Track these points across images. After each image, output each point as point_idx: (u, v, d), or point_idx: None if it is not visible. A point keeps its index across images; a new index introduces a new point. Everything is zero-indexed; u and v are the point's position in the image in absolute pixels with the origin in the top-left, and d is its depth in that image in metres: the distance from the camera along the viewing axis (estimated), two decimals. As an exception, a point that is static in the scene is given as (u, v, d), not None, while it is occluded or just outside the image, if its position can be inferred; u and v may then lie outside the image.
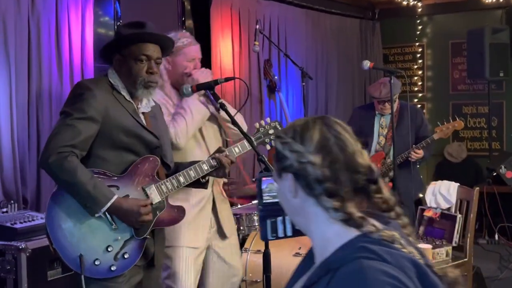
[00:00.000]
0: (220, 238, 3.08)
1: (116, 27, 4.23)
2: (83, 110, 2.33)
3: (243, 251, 3.68)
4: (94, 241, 2.33)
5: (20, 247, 2.80)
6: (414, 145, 4.42)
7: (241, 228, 3.98)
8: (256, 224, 4.04)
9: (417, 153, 4.42)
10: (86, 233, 2.33)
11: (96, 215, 2.33)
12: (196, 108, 2.86)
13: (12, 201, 3.23)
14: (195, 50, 2.97)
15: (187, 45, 2.93)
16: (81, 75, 3.81)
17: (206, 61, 4.44)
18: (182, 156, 2.87)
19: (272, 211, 1.54)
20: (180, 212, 2.58)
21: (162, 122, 2.68)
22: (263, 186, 1.62)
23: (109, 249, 2.35)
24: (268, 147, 2.97)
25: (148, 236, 2.45)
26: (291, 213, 1.36)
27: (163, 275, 2.91)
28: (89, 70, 3.84)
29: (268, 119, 3.01)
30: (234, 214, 3.75)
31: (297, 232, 1.50)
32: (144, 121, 2.51)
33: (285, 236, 1.54)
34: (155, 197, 2.47)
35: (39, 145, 3.57)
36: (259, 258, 3.44)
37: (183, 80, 2.91)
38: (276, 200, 1.47)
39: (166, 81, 2.93)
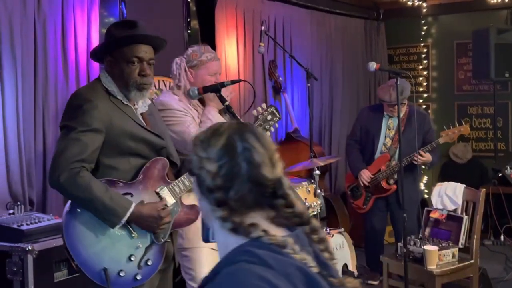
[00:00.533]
0: None
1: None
2: (86, 122, 2.28)
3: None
4: (116, 252, 2.30)
5: (27, 249, 2.80)
6: (422, 148, 4.40)
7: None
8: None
9: (423, 156, 4.39)
10: (107, 245, 2.29)
11: (117, 227, 2.29)
12: (219, 120, 2.89)
13: (18, 203, 3.23)
14: (217, 65, 3.04)
15: (210, 60, 3.00)
16: (87, 76, 3.82)
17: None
18: None
19: None
20: (195, 211, 2.56)
21: (159, 120, 2.65)
22: None
23: (131, 258, 2.32)
24: (268, 133, 2.97)
25: (168, 240, 2.44)
26: (203, 215, 1.35)
27: (186, 278, 2.90)
28: (95, 71, 3.85)
29: (264, 105, 3.00)
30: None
31: None
32: (144, 123, 2.48)
33: None
34: (170, 200, 2.45)
35: (45, 147, 3.58)
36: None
37: None
38: None
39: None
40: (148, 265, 2.36)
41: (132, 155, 2.40)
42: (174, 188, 2.48)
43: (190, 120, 2.87)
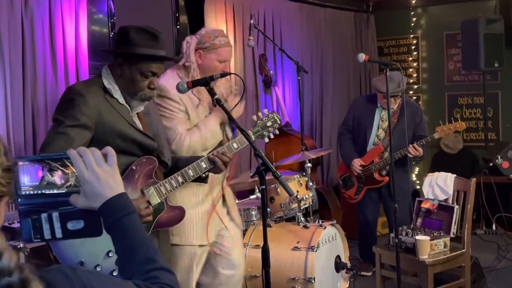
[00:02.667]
0: (234, 224, 3.14)
1: (110, 24, 4.21)
2: (75, 117, 2.27)
3: (242, 246, 3.67)
4: (94, 247, 2.27)
5: (18, 247, 2.79)
6: (415, 142, 4.42)
7: (239, 223, 3.98)
8: (255, 218, 4.04)
9: (417, 150, 4.41)
10: (85, 239, 2.29)
11: None
12: (215, 132, 2.88)
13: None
14: (228, 52, 2.94)
15: (223, 45, 2.90)
16: (76, 73, 3.80)
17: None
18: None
19: (35, 205, 1.22)
20: (180, 213, 2.56)
21: (156, 118, 2.64)
22: (21, 173, 1.21)
23: (110, 254, 2.29)
24: (266, 139, 2.96)
25: None
26: None
27: None
28: (84, 68, 3.83)
29: (265, 110, 2.98)
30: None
31: (70, 234, 1.24)
32: (138, 122, 2.47)
33: (54, 239, 1.23)
34: (154, 199, 2.44)
35: (35, 144, 3.57)
36: (257, 253, 3.43)
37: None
38: (40, 191, 1.20)
39: (197, 75, 2.88)
40: None
41: (122, 153, 2.37)
42: (160, 188, 2.46)
43: (181, 117, 2.84)
